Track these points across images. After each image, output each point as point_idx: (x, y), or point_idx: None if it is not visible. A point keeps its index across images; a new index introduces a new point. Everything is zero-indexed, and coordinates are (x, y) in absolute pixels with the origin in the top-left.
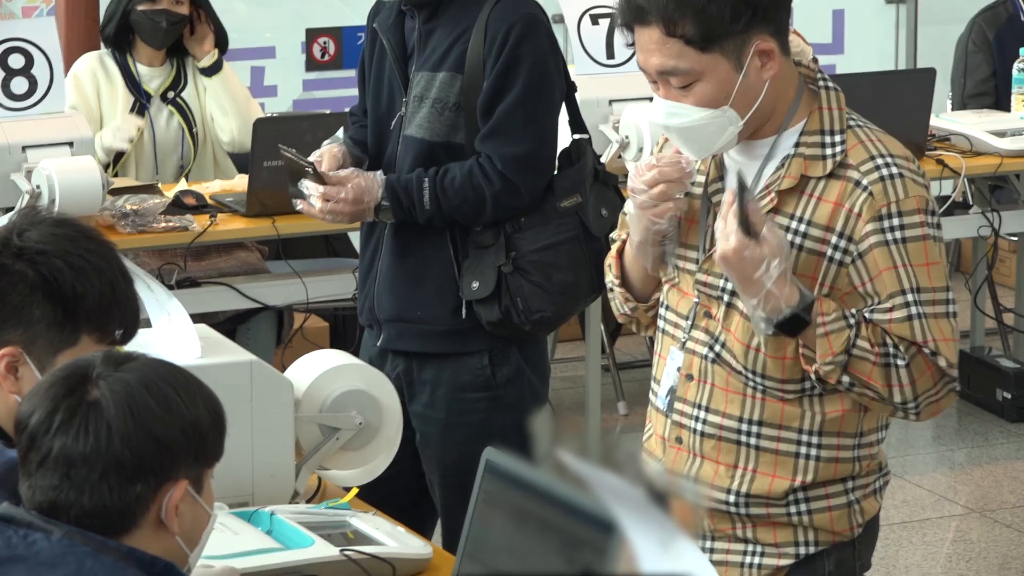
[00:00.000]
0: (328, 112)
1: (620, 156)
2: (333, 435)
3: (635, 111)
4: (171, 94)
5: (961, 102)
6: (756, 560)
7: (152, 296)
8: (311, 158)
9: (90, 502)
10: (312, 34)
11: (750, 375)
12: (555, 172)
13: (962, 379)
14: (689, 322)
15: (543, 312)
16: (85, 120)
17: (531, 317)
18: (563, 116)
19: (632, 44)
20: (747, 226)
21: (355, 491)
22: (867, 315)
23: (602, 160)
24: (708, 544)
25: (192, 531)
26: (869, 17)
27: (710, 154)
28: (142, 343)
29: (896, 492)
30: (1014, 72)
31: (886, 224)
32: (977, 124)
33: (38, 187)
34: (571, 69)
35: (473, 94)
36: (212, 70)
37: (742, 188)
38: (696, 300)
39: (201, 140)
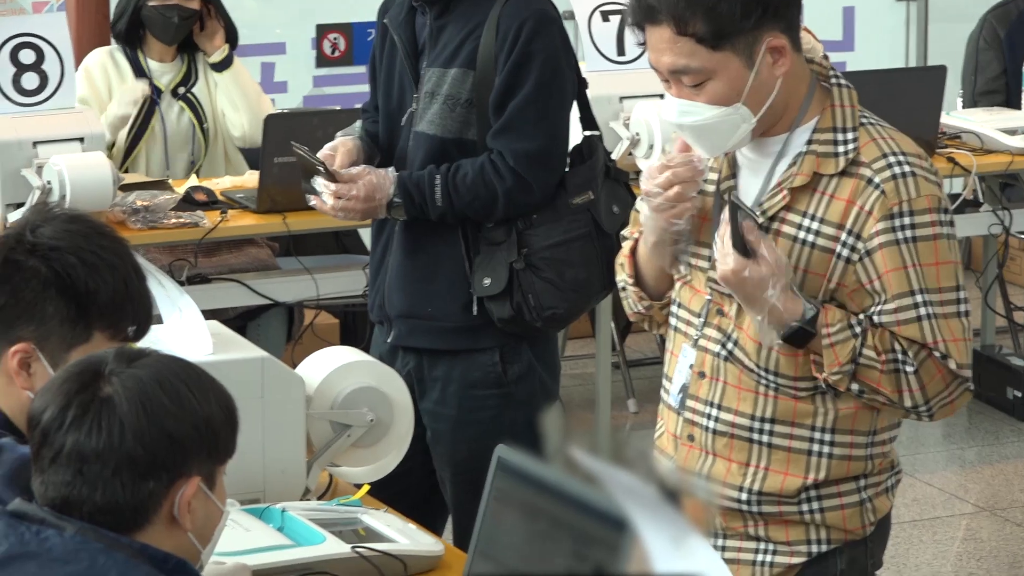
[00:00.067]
0: (339, 108)
1: (631, 153)
2: (344, 432)
3: (646, 108)
4: (182, 90)
5: (972, 100)
6: (768, 558)
7: (164, 292)
8: (324, 149)
9: (103, 498)
10: (322, 30)
11: (763, 372)
12: (567, 169)
13: (973, 378)
14: (702, 319)
15: (555, 309)
16: (96, 116)
17: (543, 314)
18: (574, 113)
19: (643, 43)
20: (743, 246)
21: (366, 488)
22: (875, 317)
23: (612, 157)
24: (720, 542)
25: (204, 528)
26: (879, 14)
27: (723, 152)
28: (154, 339)
29: (906, 490)
30: None
31: (897, 223)
32: (988, 122)
33: (49, 183)
34: (581, 66)
35: (485, 90)
36: (223, 65)
37: (735, 208)
38: (709, 297)
39: (212, 136)
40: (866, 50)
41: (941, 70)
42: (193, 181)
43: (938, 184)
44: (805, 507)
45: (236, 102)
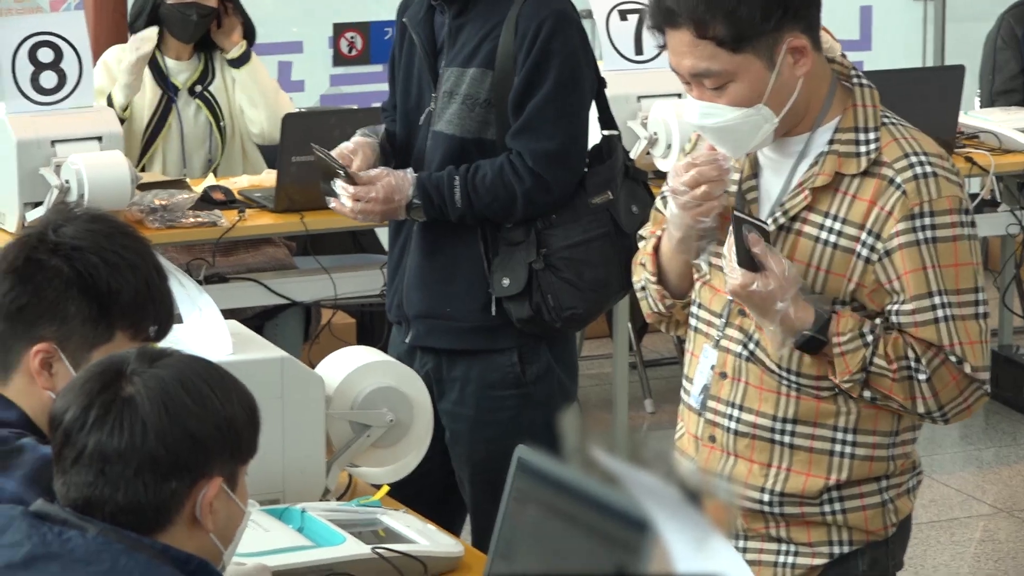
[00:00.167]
0: (356, 108)
1: (649, 153)
2: (364, 432)
3: (664, 107)
4: (199, 88)
5: (989, 99)
6: (790, 560)
7: (184, 292)
8: (340, 147)
9: (125, 499)
10: (340, 29)
11: (785, 373)
12: (586, 168)
13: (990, 379)
14: (723, 320)
15: (574, 309)
16: (114, 115)
17: (562, 314)
18: (593, 112)
19: (663, 46)
20: (749, 260)
21: (386, 488)
22: (892, 317)
23: (631, 156)
24: (741, 544)
25: (226, 528)
26: (897, 14)
27: (745, 152)
28: (174, 339)
29: (923, 491)
30: None
31: (918, 223)
32: (1006, 121)
33: (67, 182)
34: (600, 65)
35: (504, 90)
36: (240, 61)
37: (739, 222)
38: (730, 298)
39: (229, 134)
40: (883, 50)
41: (959, 70)
42: (211, 180)
43: (960, 185)
44: (827, 508)
45: (254, 98)
